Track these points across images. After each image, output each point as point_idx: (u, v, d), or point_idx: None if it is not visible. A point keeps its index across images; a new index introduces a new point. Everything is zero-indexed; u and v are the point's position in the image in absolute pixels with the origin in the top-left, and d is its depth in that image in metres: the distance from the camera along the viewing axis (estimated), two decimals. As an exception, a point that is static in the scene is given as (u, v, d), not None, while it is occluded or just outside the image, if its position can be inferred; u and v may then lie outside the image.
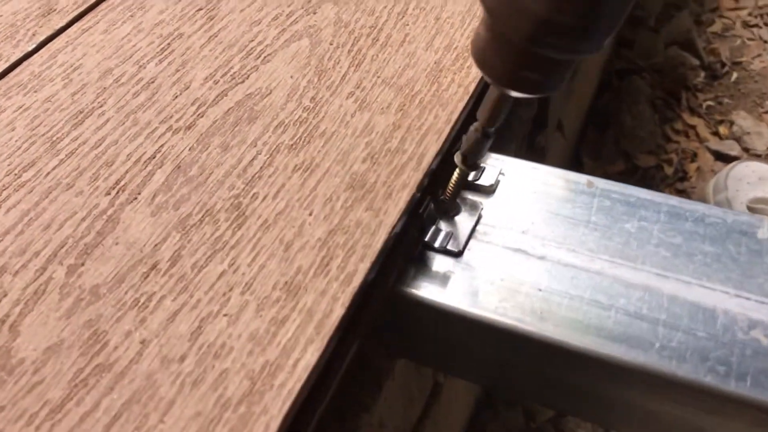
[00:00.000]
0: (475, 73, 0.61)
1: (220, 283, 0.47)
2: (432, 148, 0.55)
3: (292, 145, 0.55)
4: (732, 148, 1.85)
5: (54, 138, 0.57)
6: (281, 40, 0.65)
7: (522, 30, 0.38)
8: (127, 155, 0.55)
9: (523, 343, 0.51)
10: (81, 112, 0.59)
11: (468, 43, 0.64)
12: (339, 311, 0.45)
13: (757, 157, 1.82)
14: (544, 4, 0.36)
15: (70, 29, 0.67)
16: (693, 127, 1.93)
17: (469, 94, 0.59)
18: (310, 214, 0.50)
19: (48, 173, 0.54)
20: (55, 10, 0.69)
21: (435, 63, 0.62)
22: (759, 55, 2.11)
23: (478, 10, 0.68)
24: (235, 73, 0.62)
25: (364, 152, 0.55)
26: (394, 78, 0.61)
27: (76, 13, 0.69)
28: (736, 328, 0.50)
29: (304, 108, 0.58)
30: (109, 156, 0.55)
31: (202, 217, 0.50)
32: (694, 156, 1.87)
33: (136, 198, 0.52)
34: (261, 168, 0.54)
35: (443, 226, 0.55)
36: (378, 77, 0.61)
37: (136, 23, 0.67)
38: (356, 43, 0.64)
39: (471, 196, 0.59)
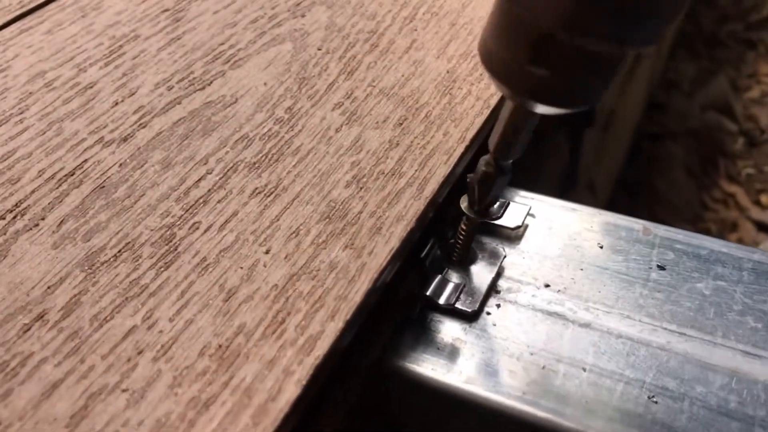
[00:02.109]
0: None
1: (127, 344, 0.32)
2: (439, 171, 0.41)
3: (254, 163, 0.42)
4: (775, 219, 1.70)
5: (-49, 148, 0.44)
6: (258, 44, 0.52)
7: (549, 10, 0.25)
8: (39, 171, 0.42)
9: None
10: (-7, 120, 0.46)
11: (490, 52, 0.51)
12: (292, 391, 0.30)
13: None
14: None
15: (6, 29, 0.55)
16: (732, 195, 1.79)
17: (490, 108, 0.45)
18: (267, 252, 0.36)
19: (-70, 190, 0.41)
20: (-6, 8, 0.57)
21: (447, 72, 0.49)
22: (801, 123, 1.99)
23: (504, 17, 0.55)
24: (194, 78, 0.49)
25: (348, 174, 0.41)
26: (395, 88, 0.47)
27: (18, 12, 0.57)
28: None
29: (277, 120, 0.45)
30: (15, 172, 0.42)
31: (119, 251, 0.37)
32: (734, 226, 1.72)
33: (37, 225, 0.38)
34: (209, 191, 0.40)
35: (453, 277, 0.41)
36: (374, 87, 0.48)
37: (86, 24, 0.55)
38: (350, 49, 0.51)
39: (490, 241, 0.44)
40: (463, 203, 0.39)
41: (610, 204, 1.70)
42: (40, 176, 0.42)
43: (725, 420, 0.35)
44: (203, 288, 0.35)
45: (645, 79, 1.61)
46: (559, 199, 0.48)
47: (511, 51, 0.28)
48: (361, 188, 0.40)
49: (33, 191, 0.41)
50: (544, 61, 0.28)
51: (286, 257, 0.36)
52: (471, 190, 0.37)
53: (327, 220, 0.38)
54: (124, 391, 0.30)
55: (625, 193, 1.77)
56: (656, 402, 0.36)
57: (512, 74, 0.29)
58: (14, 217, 0.39)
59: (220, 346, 0.32)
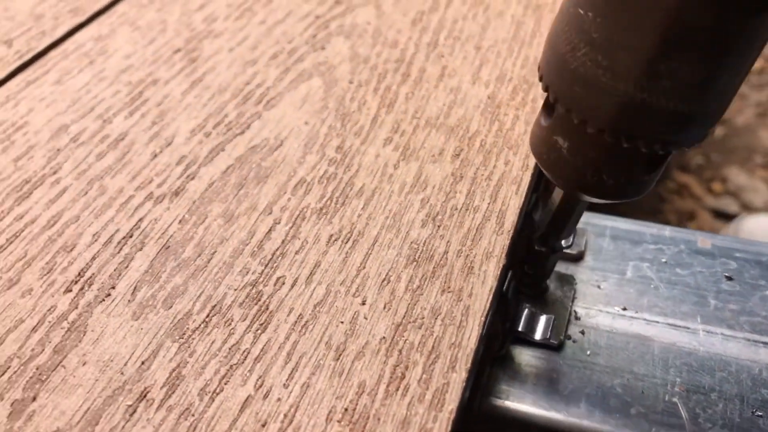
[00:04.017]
0: (543, 108, 0.47)
1: (247, 417, 0.31)
2: (513, 202, 0.40)
3: (321, 208, 0.40)
4: (730, 205, 1.76)
5: (-11, 218, 0.41)
6: (285, 81, 0.51)
7: (605, 114, 0.26)
8: (93, 235, 0.39)
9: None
10: (27, 182, 0.43)
11: (524, 74, 0.50)
12: (436, 451, 0.29)
13: (757, 212, 1.73)
14: (634, 81, 0.24)
15: (10, 82, 0.52)
16: (686, 185, 1.84)
17: (544, 133, 0.45)
18: (363, 303, 0.35)
19: (-20, 266, 0.38)
20: (-10, 61, 0.54)
21: (489, 98, 0.48)
22: (740, 110, 2.05)
23: (526, 36, 0.54)
24: (230, 122, 0.47)
25: (421, 213, 0.40)
26: (440, 118, 0.47)
27: (18, 63, 0.54)
28: None
29: (330, 161, 0.44)
30: (67, 238, 0.39)
31: (208, 316, 0.35)
32: (692, 215, 1.77)
33: (109, 294, 0.36)
34: (283, 242, 0.38)
35: (535, 309, 0.41)
36: (418, 118, 0.47)
37: (96, 71, 0.53)
38: (383, 80, 0.50)
39: (557, 267, 0.44)
40: (538, 242, 0.39)
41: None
42: (96, 240, 0.39)
43: (833, 429, 0.36)
44: (309, 347, 0.33)
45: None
46: (608, 216, 0.48)
47: (574, 156, 0.29)
48: (438, 226, 0.39)
49: (93, 258, 0.38)
50: (608, 164, 0.29)
51: (384, 307, 0.35)
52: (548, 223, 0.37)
53: (414, 263, 0.37)
54: (259, 469, 0.29)
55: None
56: (761, 416, 0.37)
57: (577, 178, 0.30)
58: (81, 289, 0.37)
59: (346, 409, 0.31)
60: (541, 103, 0.46)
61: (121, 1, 0.61)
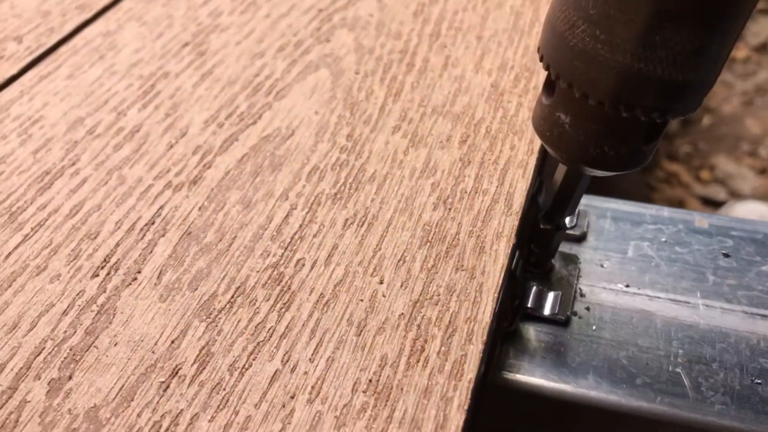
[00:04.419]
0: (545, 95, 0.49)
1: (276, 390, 0.32)
2: (519, 185, 0.42)
3: (335, 194, 0.42)
4: (718, 193, 1.78)
5: (13, 208, 0.42)
6: (293, 72, 0.52)
7: (605, 86, 0.28)
8: (116, 223, 0.41)
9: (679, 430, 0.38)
10: (48, 173, 0.44)
11: (525, 62, 0.52)
12: (458, 418, 0.31)
13: (745, 199, 1.76)
14: (631, 52, 0.26)
15: (23, 77, 0.53)
16: (675, 174, 1.87)
17: (547, 119, 0.46)
18: (381, 282, 0.37)
19: (8, 254, 0.39)
20: (2, 57, 0.55)
21: (492, 86, 0.50)
22: (726, 99, 2.08)
23: (525, 26, 0.56)
24: (242, 113, 0.48)
25: (432, 197, 0.42)
26: (446, 106, 0.48)
27: (29, 59, 0.55)
28: None
29: (341, 148, 0.45)
30: (91, 226, 0.41)
31: (233, 297, 0.36)
32: (681, 203, 1.79)
33: (135, 279, 0.38)
34: (301, 226, 0.40)
35: (543, 286, 0.42)
36: (425, 106, 0.48)
37: (107, 65, 0.54)
38: (388, 70, 0.52)
39: (561, 248, 0.46)
40: (543, 220, 0.40)
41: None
42: (119, 228, 0.41)
43: (828, 394, 0.38)
44: (331, 324, 0.35)
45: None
46: (609, 198, 0.50)
47: (576, 129, 0.31)
48: (449, 209, 0.41)
49: (117, 244, 0.40)
50: (610, 136, 0.30)
51: (401, 285, 0.37)
52: (555, 201, 0.39)
53: (428, 244, 0.39)
54: (291, 437, 0.30)
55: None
56: (759, 383, 0.38)
57: (579, 151, 0.32)
58: (108, 274, 0.38)
59: (370, 380, 0.32)
60: (543, 90, 0.48)
61: (126, -3, 0.63)
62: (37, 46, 0.57)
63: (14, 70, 0.54)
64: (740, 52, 2.27)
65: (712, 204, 1.76)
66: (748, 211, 1.52)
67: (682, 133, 1.96)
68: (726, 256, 0.45)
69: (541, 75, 0.50)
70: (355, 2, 0.60)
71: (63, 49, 0.56)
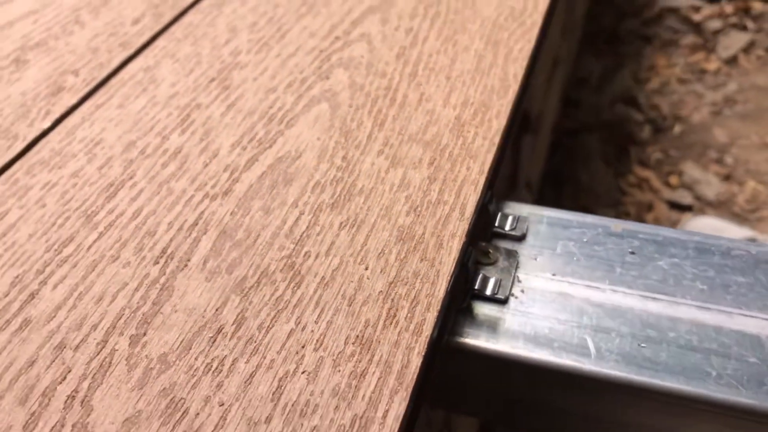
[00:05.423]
0: (496, 126, 0.63)
1: (291, 342, 0.46)
2: (471, 198, 0.56)
3: (333, 203, 0.56)
4: (684, 198, 1.92)
5: (88, 212, 0.56)
6: (300, 105, 0.66)
7: None
8: (168, 224, 0.55)
9: (583, 381, 0.52)
10: (111, 185, 0.58)
11: (483, 99, 0.66)
12: (416, 361, 0.45)
13: (709, 204, 1.90)
14: None
15: (83, 106, 0.67)
16: (645, 179, 2.01)
17: (495, 146, 0.60)
18: (366, 269, 0.51)
19: (89, 247, 0.53)
20: (64, 88, 0.69)
21: (456, 118, 0.64)
22: (696, 108, 2.22)
23: (486, 67, 0.70)
24: (261, 138, 0.62)
25: (405, 206, 0.56)
26: (419, 134, 0.62)
27: (86, 90, 0.69)
28: (784, 352, 0.52)
29: (338, 167, 0.59)
30: (149, 226, 0.55)
31: (259, 278, 0.50)
32: (650, 207, 1.93)
33: (186, 265, 0.51)
34: (307, 227, 0.54)
35: (489, 274, 0.56)
36: (403, 135, 0.62)
37: (149, 96, 0.68)
38: (375, 104, 0.66)
39: (505, 245, 0.60)
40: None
41: (540, 196, 1.90)
42: (171, 228, 0.55)
43: (691, 353, 0.52)
44: (330, 298, 0.49)
45: (560, 81, 1.79)
46: (546, 207, 0.64)
47: None
48: (418, 215, 0.55)
49: (171, 240, 0.54)
50: None
51: (381, 271, 0.51)
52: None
53: (401, 241, 0.53)
54: (303, 373, 0.44)
55: (551, 185, 1.97)
56: (644, 347, 0.52)
57: None
58: (165, 261, 0.52)
59: (357, 336, 0.46)
60: (495, 122, 0.62)
61: (160, 36, 0.76)
62: (91, 78, 0.70)
63: (75, 100, 0.68)
64: (711, 64, 2.41)
65: (678, 207, 1.90)
66: (703, 225, 1.67)
67: (654, 140, 2.10)
68: (632, 253, 0.59)
69: (494, 110, 0.64)
70: (350, 44, 0.74)
71: (113, 81, 0.70)
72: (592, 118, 2.14)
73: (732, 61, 2.40)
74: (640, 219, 1.86)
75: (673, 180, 1.99)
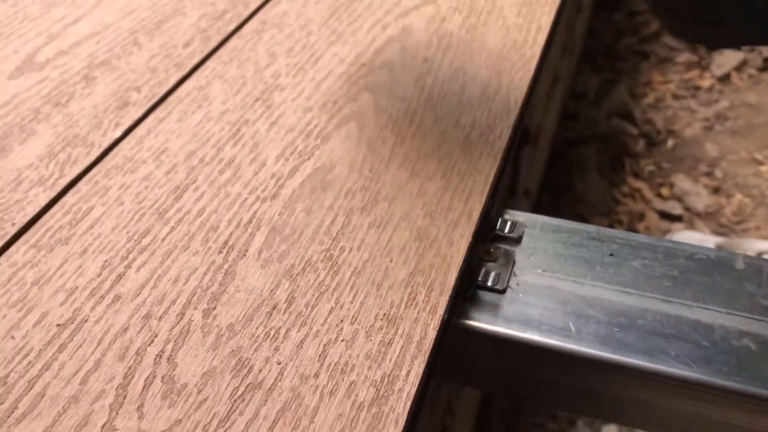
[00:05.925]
0: (499, 146, 0.75)
1: (332, 317, 0.58)
2: (477, 207, 0.68)
3: (362, 207, 0.68)
4: (674, 208, 2.04)
5: (160, 209, 0.68)
6: (333, 123, 0.78)
7: None
8: (228, 221, 0.67)
9: (567, 357, 0.64)
10: (178, 188, 0.70)
11: (489, 122, 0.78)
12: (432, 334, 0.57)
13: (697, 215, 2.01)
14: None
15: (147, 119, 0.79)
16: (638, 190, 2.12)
17: (498, 162, 0.72)
18: (391, 261, 0.63)
19: (164, 238, 0.65)
20: (129, 103, 0.81)
21: (465, 139, 0.76)
22: (689, 124, 2.34)
23: (491, 93, 0.82)
24: (300, 151, 0.74)
25: (422, 211, 0.67)
26: (434, 151, 0.74)
27: (149, 105, 0.81)
28: (730, 338, 0.64)
29: (366, 177, 0.71)
30: (212, 222, 0.66)
31: (304, 267, 0.62)
32: (642, 216, 2.05)
33: (245, 255, 0.63)
34: (342, 227, 0.66)
35: (490, 269, 0.68)
36: (420, 151, 0.74)
37: (204, 113, 0.80)
38: (396, 124, 0.78)
39: (504, 245, 0.72)
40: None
41: (539, 203, 2.02)
42: (230, 224, 0.66)
43: (655, 337, 0.64)
44: (362, 284, 0.61)
45: (560, 96, 1.91)
46: (539, 215, 0.76)
47: None
48: (433, 219, 0.67)
49: (231, 234, 0.65)
50: None
51: (403, 263, 0.62)
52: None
53: (419, 240, 0.65)
54: (342, 341, 0.56)
55: (549, 194, 2.09)
56: (617, 330, 0.64)
57: None
58: (228, 252, 0.64)
59: (385, 314, 0.58)
60: (498, 142, 0.73)
61: (209, 58, 0.88)
62: (152, 95, 0.82)
63: (140, 114, 0.80)
64: (705, 81, 2.53)
65: (669, 217, 2.02)
66: (688, 238, 1.79)
67: (647, 153, 2.22)
68: (611, 255, 0.71)
69: (497, 131, 0.76)
70: (374, 71, 0.86)
71: (170, 98, 0.82)
72: (590, 130, 2.26)
73: (725, 78, 2.52)
74: (632, 227, 1.98)
75: (665, 191, 2.11)
